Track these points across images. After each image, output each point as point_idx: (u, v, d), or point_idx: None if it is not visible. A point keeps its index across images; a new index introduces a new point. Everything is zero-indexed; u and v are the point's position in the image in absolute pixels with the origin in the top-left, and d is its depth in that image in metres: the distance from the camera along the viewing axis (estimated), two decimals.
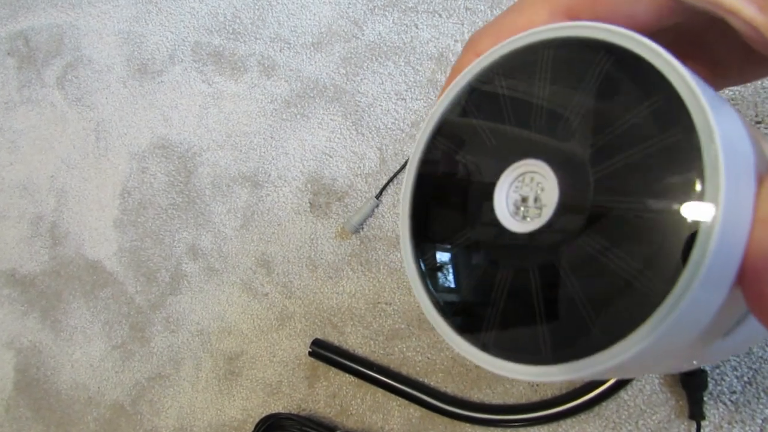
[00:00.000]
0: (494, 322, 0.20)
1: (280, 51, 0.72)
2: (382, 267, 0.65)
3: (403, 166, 0.65)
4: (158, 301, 0.74)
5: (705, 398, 0.54)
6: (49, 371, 0.77)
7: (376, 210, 0.66)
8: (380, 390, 0.63)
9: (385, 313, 0.65)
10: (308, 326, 0.67)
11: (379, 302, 0.65)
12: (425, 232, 0.23)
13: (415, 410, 0.62)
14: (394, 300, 0.64)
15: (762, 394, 0.53)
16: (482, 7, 0.65)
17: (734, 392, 0.54)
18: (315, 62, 0.70)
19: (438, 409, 0.60)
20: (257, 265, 0.71)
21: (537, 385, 0.59)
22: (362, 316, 0.65)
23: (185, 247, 0.74)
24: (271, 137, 0.71)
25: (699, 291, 0.16)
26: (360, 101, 0.68)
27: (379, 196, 0.65)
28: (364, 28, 0.68)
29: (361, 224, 0.66)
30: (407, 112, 0.65)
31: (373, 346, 0.64)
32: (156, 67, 0.78)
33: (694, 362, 0.22)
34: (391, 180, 0.65)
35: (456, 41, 0.65)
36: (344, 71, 0.69)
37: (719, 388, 0.54)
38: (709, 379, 0.54)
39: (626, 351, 0.17)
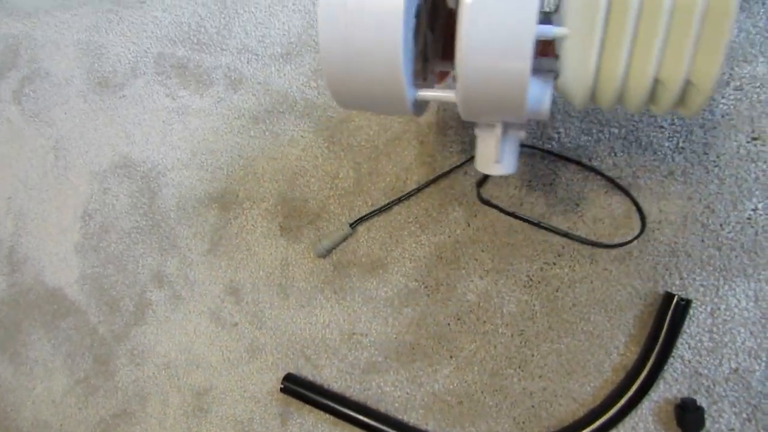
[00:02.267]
0: None
1: (248, 63, 0.67)
2: (357, 295, 0.61)
3: (390, 203, 0.61)
4: (122, 332, 0.70)
5: None
6: (9, 407, 0.73)
7: (352, 236, 0.61)
8: (357, 429, 0.59)
9: (360, 344, 0.61)
10: (280, 359, 0.63)
11: (354, 333, 0.61)
12: None
13: None
14: (370, 331, 0.60)
15: (762, 431, 0.50)
16: None
17: (732, 430, 0.50)
18: (284, 75, 0.66)
19: None
20: (226, 292, 0.66)
21: (523, 423, 0.55)
22: (337, 348, 0.61)
23: (150, 273, 0.70)
24: (239, 155, 0.67)
25: None
26: (332, 117, 0.63)
27: (354, 225, 0.61)
28: None
29: (331, 250, 0.61)
30: (381, 129, 0.61)
31: (349, 381, 0.60)
32: (117, 81, 0.73)
33: None
34: (371, 214, 0.61)
35: None
36: (315, 84, 0.64)
37: (717, 425, 0.50)
38: (706, 416, 0.50)
39: None
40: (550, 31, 0.33)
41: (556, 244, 0.55)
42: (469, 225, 0.58)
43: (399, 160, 0.60)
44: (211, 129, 0.69)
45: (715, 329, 0.50)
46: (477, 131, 0.42)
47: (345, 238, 0.61)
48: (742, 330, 0.50)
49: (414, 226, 0.60)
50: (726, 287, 0.50)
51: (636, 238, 0.52)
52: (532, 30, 0.30)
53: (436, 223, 0.59)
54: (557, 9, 0.36)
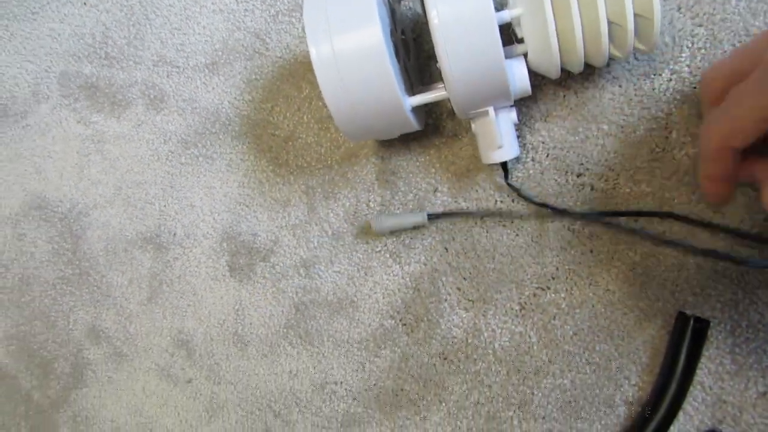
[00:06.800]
0: None
1: (168, 77, 0.57)
2: (325, 339, 0.53)
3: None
4: (60, 397, 0.61)
5: None
6: None
7: (312, 271, 0.53)
8: None
9: (336, 395, 0.53)
10: (245, 416, 0.55)
11: (327, 382, 0.53)
12: None
13: None
14: (345, 378, 0.53)
15: None
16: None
17: None
18: (213, 89, 0.56)
19: None
20: (174, 346, 0.58)
21: None
22: (309, 400, 0.54)
23: (84, 329, 0.61)
24: (171, 187, 0.58)
25: None
26: (275, 134, 0.55)
27: (432, 217, 0.49)
28: (268, 40, 0.54)
29: (392, 231, 0.51)
30: (333, 146, 0.53)
31: None
32: (17, 108, 0.63)
33: None
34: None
35: None
36: (250, 97, 0.55)
37: None
38: None
39: None
40: (507, 15, 0.38)
41: (549, 265, 0.48)
42: (447, 250, 0.50)
43: (358, 181, 0.52)
44: (135, 157, 0.59)
45: (737, 350, 0.44)
46: (473, 127, 0.44)
47: (413, 224, 0.50)
48: None
49: (383, 256, 0.52)
50: (746, 301, 0.44)
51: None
52: (492, 20, 0.35)
53: (409, 250, 0.51)
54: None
